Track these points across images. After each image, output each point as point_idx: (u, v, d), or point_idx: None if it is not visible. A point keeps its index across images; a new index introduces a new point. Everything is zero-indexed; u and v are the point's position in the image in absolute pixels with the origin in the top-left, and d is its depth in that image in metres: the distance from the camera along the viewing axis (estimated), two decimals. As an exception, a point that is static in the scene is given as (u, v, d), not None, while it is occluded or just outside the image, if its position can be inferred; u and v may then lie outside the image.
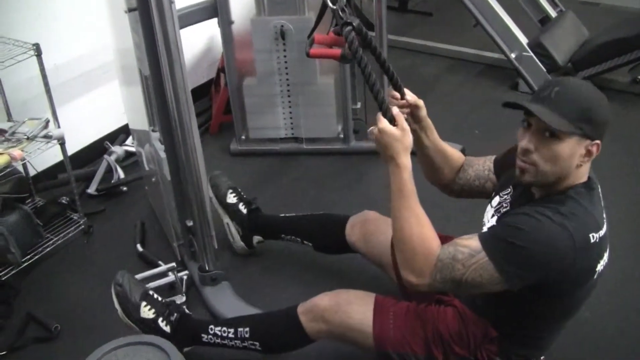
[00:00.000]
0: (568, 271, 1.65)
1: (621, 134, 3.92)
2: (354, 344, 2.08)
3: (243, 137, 3.83)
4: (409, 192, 1.77)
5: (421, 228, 1.76)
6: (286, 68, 3.55)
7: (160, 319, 2.27)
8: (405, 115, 1.93)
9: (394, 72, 1.96)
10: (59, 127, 2.85)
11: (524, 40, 4.45)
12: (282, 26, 3.40)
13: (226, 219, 2.88)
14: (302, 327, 2.09)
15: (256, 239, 2.85)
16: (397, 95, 1.96)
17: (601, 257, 1.71)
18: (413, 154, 1.80)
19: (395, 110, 1.80)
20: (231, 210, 2.86)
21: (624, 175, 3.47)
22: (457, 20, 5.61)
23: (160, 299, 2.34)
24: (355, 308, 2.03)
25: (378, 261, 2.42)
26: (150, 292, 2.34)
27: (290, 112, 3.71)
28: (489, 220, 1.96)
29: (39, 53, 2.69)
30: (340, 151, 3.77)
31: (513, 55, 4.43)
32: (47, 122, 2.87)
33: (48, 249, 2.89)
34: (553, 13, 4.98)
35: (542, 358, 2.00)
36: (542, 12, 4.99)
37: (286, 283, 2.74)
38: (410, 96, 1.97)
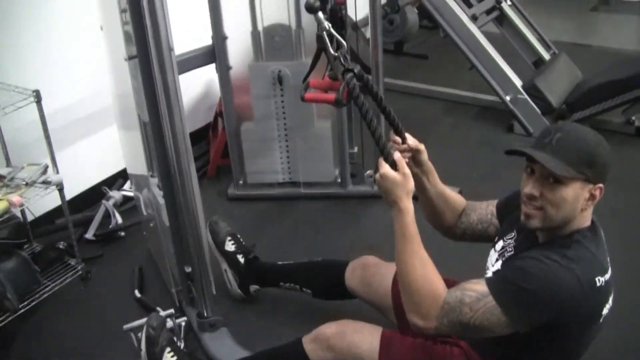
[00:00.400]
0: (574, 315, 1.65)
1: (616, 175, 3.92)
2: None
3: (241, 181, 3.84)
4: (412, 236, 1.78)
5: (426, 272, 1.77)
6: (284, 112, 3.58)
7: None
8: (407, 160, 1.95)
9: (395, 116, 1.98)
10: (57, 172, 2.85)
11: (518, 83, 4.50)
12: (279, 71, 3.44)
13: (224, 266, 2.87)
14: (308, 357, 2.08)
15: (253, 287, 2.84)
16: (399, 139, 1.98)
17: (607, 300, 1.72)
18: (415, 198, 1.82)
19: (396, 155, 1.82)
20: (229, 258, 2.86)
21: (620, 215, 3.47)
22: (452, 63, 5.67)
23: (182, 347, 2.39)
24: (362, 337, 2.03)
25: (378, 305, 2.41)
26: (175, 339, 2.38)
27: (288, 157, 3.72)
28: (493, 264, 1.96)
29: (39, 99, 2.71)
30: (338, 195, 3.77)
31: (508, 98, 4.47)
32: (46, 167, 2.87)
33: (45, 295, 2.87)
34: (546, 55, 5.05)
35: None
36: (535, 55, 5.06)
37: (285, 327, 2.72)
38: (411, 140, 1.99)
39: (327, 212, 3.65)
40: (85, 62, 3.42)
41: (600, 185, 1.68)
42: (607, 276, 1.69)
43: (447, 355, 1.99)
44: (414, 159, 2.02)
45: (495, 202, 2.14)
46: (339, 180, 3.77)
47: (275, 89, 3.50)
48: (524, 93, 4.44)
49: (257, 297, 2.89)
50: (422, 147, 2.01)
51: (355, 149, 3.85)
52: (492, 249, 2.01)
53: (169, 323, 2.64)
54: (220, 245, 2.88)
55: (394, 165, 1.80)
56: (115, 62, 2.65)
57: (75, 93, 3.50)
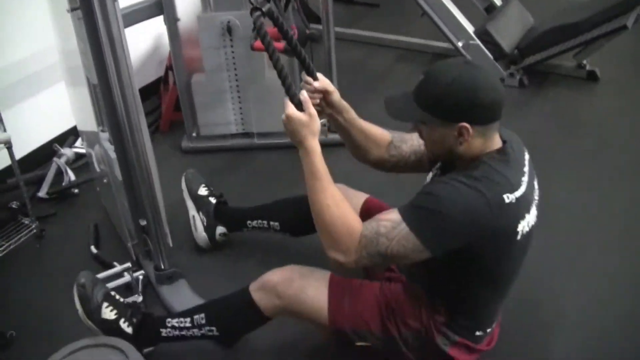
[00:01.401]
0: (486, 231, 1.71)
1: (567, 118, 4.01)
2: (310, 321, 2.09)
3: (194, 134, 3.82)
4: (320, 174, 1.82)
5: (339, 208, 1.81)
6: (234, 64, 3.54)
7: (122, 320, 2.25)
8: (318, 101, 2.00)
9: (307, 56, 2.00)
10: (5, 130, 2.80)
11: (470, 28, 4.50)
12: (228, 22, 3.39)
13: (192, 212, 2.88)
14: (256, 305, 2.09)
15: (220, 230, 2.84)
16: (310, 80, 2.00)
17: (522, 217, 1.76)
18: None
19: (303, 95, 1.85)
20: (200, 201, 2.87)
21: (570, 156, 3.54)
22: (404, 11, 5.67)
23: (122, 299, 2.33)
24: (309, 282, 2.06)
25: None
26: (112, 293, 2.32)
27: (241, 108, 3.70)
28: None
29: (-19, 56, 2.65)
30: (292, 145, 3.73)
31: (460, 44, 4.48)
32: (-7, 126, 2.82)
33: (0, 255, 2.84)
34: (498, 1, 5.05)
35: (488, 330, 2.04)
36: (487, 1, 5.07)
37: (244, 276, 2.70)
38: (319, 83, 2.00)
39: (282, 162, 3.65)
40: (29, 16, 3.34)
41: (463, 124, 1.70)
42: (518, 193, 1.73)
43: (392, 292, 2.05)
44: (326, 100, 2.05)
45: None
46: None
47: (225, 40, 3.46)
48: (476, 39, 4.45)
49: (218, 248, 2.90)
50: (331, 87, 2.04)
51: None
52: (426, 181, 2.04)
53: (126, 277, 2.64)
54: (193, 191, 2.90)
55: (299, 106, 1.83)
56: (58, 15, 2.58)
57: (21, 50, 3.41)
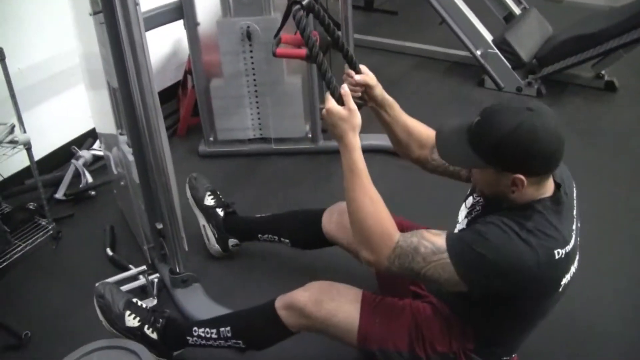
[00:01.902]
0: (530, 286, 1.68)
1: (585, 128, 3.98)
2: (337, 339, 2.06)
3: (211, 138, 3.82)
4: (359, 171, 1.79)
5: (375, 208, 1.78)
6: (253, 69, 3.55)
7: (146, 327, 2.27)
8: (359, 94, 1.98)
9: (349, 48, 1.98)
10: (24, 132, 2.82)
11: (489, 37, 4.50)
12: (248, 27, 3.40)
13: (202, 222, 2.87)
14: (282, 322, 2.07)
15: (232, 242, 2.84)
16: (352, 73, 1.98)
17: (567, 271, 1.74)
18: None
19: (343, 89, 1.82)
20: (208, 213, 2.85)
21: (589, 169, 3.51)
22: (422, 19, 5.66)
23: (144, 305, 2.34)
24: (340, 305, 2.01)
25: (355, 250, 2.41)
26: (134, 300, 2.34)
27: (259, 113, 3.71)
28: (462, 219, 1.98)
29: (2, 57, 2.66)
30: (309, 151, 3.77)
31: (478, 53, 4.48)
32: (13, 127, 2.83)
33: (16, 256, 2.85)
34: (517, 10, 5.05)
35: (513, 355, 2.02)
36: (506, 10, 5.06)
37: (259, 283, 2.74)
38: (360, 76, 1.98)
39: (299, 168, 3.65)
40: (51, 19, 3.36)
41: (517, 175, 1.63)
42: (569, 247, 1.70)
43: (421, 313, 2.01)
44: (368, 94, 2.02)
45: None
46: (310, 135, 3.77)
47: (244, 45, 3.46)
48: (495, 47, 4.45)
49: (233, 254, 2.90)
50: (372, 81, 2.01)
51: (326, 105, 3.83)
52: (463, 204, 2.02)
53: (141, 279, 2.65)
54: (199, 201, 2.88)
55: (340, 100, 1.80)
56: (80, 19, 2.60)
57: (42, 52, 3.44)
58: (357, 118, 1.80)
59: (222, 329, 2.16)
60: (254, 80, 3.59)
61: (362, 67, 2.01)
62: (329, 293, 2.03)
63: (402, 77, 4.82)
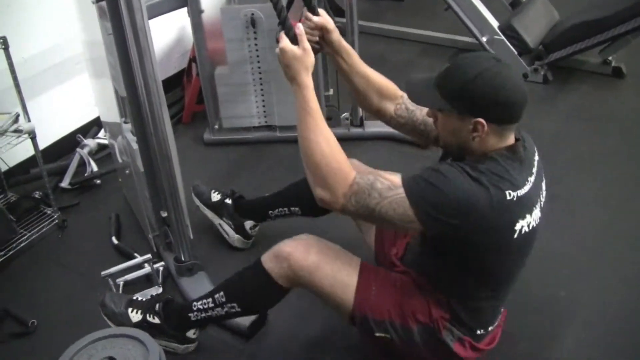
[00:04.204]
0: (482, 224, 1.69)
1: (592, 114, 3.96)
2: (325, 297, 2.05)
3: (216, 126, 3.82)
4: (313, 110, 1.80)
5: (330, 147, 1.79)
6: (257, 56, 3.54)
7: (147, 315, 2.29)
8: (317, 38, 1.98)
9: None
10: (29, 121, 2.82)
11: (494, 23, 4.47)
12: (252, 14, 3.38)
13: (217, 220, 2.88)
14: (269, 275, 2.05)
15: (248, 224, 2.83)
16: (310, 15, 1.98)
17: (521, 216, 1.75)
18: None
19: (298, 29, 1.83)
20: (218, 207, 2.86)
21: (595, 152, 3.51)
22: (428, 5, 5.64)
23: (144, 299, 2.37)
24: (327, 262, 2.01)
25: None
26: (135, 297, 2.37)
27: (263, 101, 3.70)
28: None
29: (6, 46, 2.65)
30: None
31: (484, 39, 4.45)
32: (17, 116, 2.83)
33: (22, 244, 2.87)
34: (523, -4, 5.01)
35: (489, 328, 2.04)
36: (512, -5, 5.02)
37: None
38: (318, 18, 1.98)
39: (304, 156, 3.63)
40: (54, 8, 3.36)
41: (479, 119, 1.68)
42: (521, 192, 1.72)
43: (406, 285, 2.03)
44: (325, 39, 2.02)
45: None
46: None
47: (248, 33, 3.45)
48: (501, 34, 4.42)
49: (255, 237, 2.89)
50: (330, 25, 2.00)
51: (331, 92, 3.81)
52: None
53: (146, 268, 2.66)
54: (207, 201, 2.89)
55: (294, 40, 1.81)
56: (83, 7, 2.59)
57: (45, 41, 3.43)
58: (311, 58, 1.82)
59: (216, 296, 2.17)
60: (259, 67, 3.57)
61: (321, 11, 2.00)
62: (317, 246, 2.04)
63: (408, 64, 4.80)
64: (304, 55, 1.81)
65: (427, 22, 5.39)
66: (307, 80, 1.81)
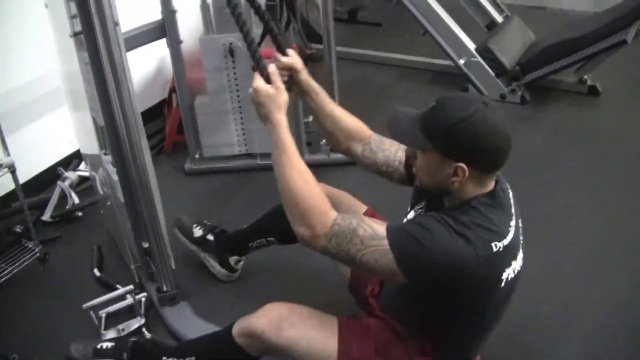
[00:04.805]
0: (471, 278, 1.66)
1: (570, 132, 4.01)
2: None
3: (197, 155, 3.82)
4: (287, 148, 1.78)
5: (307, 182, 1.77)
6: (237, 85, 3.56)
7: None
8: (286, 78, 1.97)
9: (277, 32, 1.99)
10: (8, 155, 2.81)
11: (471, 46, 4.53)
12: (230, 44, 3.42)
13: (202, 254, 2.88)
14: (242, 350, 2.02)
15: (233, 259, 2.83)
16: (279, 56, 1.97)
17: (507, 265, 1.73)
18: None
19: (271, 68, 1.83)
20: (201, 243, 2.86)
21: (574, 169, 3.55)
22: (406, 30, 5.69)
23: (110, 346, 2.36)
24: (303, 332, 1.95)
25: None
26: (99, 346, 2.36)
27: (243, 129, 3.71)
28: None
29: (-16, 81, 2.66)
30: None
31: (462, 62, 4.51)
32: (-4, 150, 2.83)
33: (3, 279, 2.84)
34: (499, 18, 5.09)
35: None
36: (488, 18, 5.11)
37: (247, 295, 2.73)
38: (287, 58, 1.98)
39: (285, 183, 3.63)
40: (32, 42, 3.36)
41: (460, 164, 1.65)
42: (506, 241, 1.69)
43: (385, 334, 2.00)
44: (294, 79, 2.02)
45: (404, 148, 2.10)
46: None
47: (227, 62, 3.48)
48: (477, 56, 4.47)
49: (242, 270, 2.89)
50: (298, 65, 2.00)
51: (310, 118, 3.83)
52: (405, 218, 2.00)
53: (129, 300, 2.65)
54: (190, 236, 2.89)
55: (268, 80, 1.81)
56: (61, 40, 2.61)
57: (23, 75, 3.43)
58: (284, 96, 1.81)
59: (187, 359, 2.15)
60: (238, 96, 3.60)
61: (290, 51, 2.00)
62: (289, 318, 1.97)
63: (387, 88, 4.84)
64: (277, 94, 1.80)
65: (405, 46, 5.44)
66: (281, 118, 1.80)
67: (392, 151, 2.10)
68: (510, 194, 1.84)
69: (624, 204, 3.27)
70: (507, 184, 1.85)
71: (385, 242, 1.67)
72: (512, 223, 1.76)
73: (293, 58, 1.99)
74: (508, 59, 4.51)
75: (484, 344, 2.02)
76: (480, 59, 4.46)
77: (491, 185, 1.75)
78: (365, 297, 2.23)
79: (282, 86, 1.81)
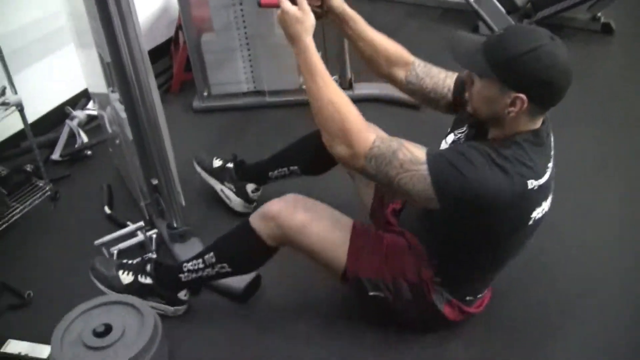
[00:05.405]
0: (503, 211, 1.70)
1: (581, 71, 3.95)
2: (316, 258, 2.08)
3: (205, 93, 3.81)
4: (320, 70, 1.80)
5: (347, 105, 1.78)
6: (244, 21, 3.52)
7: (139, 276, 2.30)
8: (319, 2, 2.00)
9: None
10: (15, 93, 2.80)
11: (482, -19, 4.45)
12: (237, -21, 3.37)
13: (218, 186, 2.88)
14: (257, 234, 2.07)
15: (250, 187, 2.83)
16: None
17: (538, 204, 1.76)
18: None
19: None
20: (220, 171, 2.87)
21: (582, 109, 3.51)
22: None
23: (133, 261, 2.38)
24: (314, 218, 2.03)
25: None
26: (124, 261, 2.38)
27: (251, 66, 3.69)
28: None
29: (-11, 19, 2.64)
30: (303, 102, 3.65)
31: (472, -2, 4.44)
32: (4, 89, 2.81)
33: (15, 217, 2.86)
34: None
35: (478, 296, 2.09)
36: (499, -47, 4.99)
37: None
38: None
39: (293, 119, 3.63)
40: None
41: (520, 95, 1.64)
42: (542, 181, 1.72)
43: (399, 245, 2.05)
44: (326, 5, 2.03)
45: (455, 75, 2.12)
46: (304, 87, 3.71)
47: (233, -2, 3.44)
48: (488, -8, 4.41)
49: (257, 200, 2.87)
50: None
51: (319, 54, 3.80)
52: (444, 141, 2.03)
53: (140, 236, 2.67)
54: (208, 167, 2.90)
55: (294, 2, 1.82)
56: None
57: (31, 12, 3.40)
58: (311, 19, 1.82)
59: (206, 257, 2.18)
60: (245, 33, 3.57)
61: None
62: (304, 204, 2.05)
63: (396, 26, 4.78)
64: (304, 17, 1.80)
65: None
66: (309, 41, 1.81)
67: (441, 78, 2.12)
68: (552, 137, 1.84)
69: (627, 149, 3.26)
70: (551, 127, 1.84)
71: (425, 167, 1.69)
72: (550, 165, 1.78)
73: None
74: (519, -5, 4.44)
75: (491, 281, 2.05)
76: (491, -5, 4.39)
77: (539, 123, 1.75)
78: (385, 219, 2.26)
79: (308, 9, 1.82)
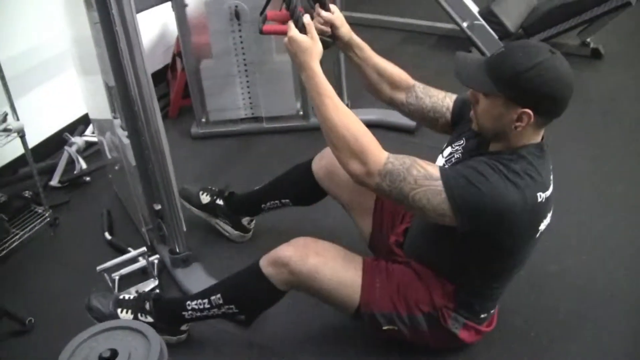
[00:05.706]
0: (516, 226, 1.73)
1: (574, 95, 4.00)
2: (329, 300, 2.08)
3: (203, 119, 3.83)
4: (328, 92, 1.82)
5: (358, 124, 1.81)
6: (242, 48, 3.55)
7: (139, 315, 2.28)
8: (329, 32, 2.02)
9: None
10: (17, 119, 2.81)
11: (474, 8, 4.50)
12: (236, 6, 3.40)
13: (212, 220, 2.88)
14: (268, 280, 2.06)
15: (245, 220, 2.84)
16: (319, 10, 2.01)
17: (545, 216, 1.80)
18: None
19: (306, 19, 1.86)
20: (211, 208, 2.86)
21: (577, 132, 3.57)
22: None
23: (132, 297, 2.35)
24: (326, 262, 2.01)
25: (341, 198, 2.46)
26: (122, 297, 2.36)
27: (249, 92, 3.71)
28: None
29: (-8, 45, 2.65)
30: (301, 128, 3.78)
31: (465, 25, 4.48)
32: (5, 115, 2.82)
33: (15, 244, 2.86)
34: (502, -19, 5.04)
35: (491, 312, 2.11)
36: (491, -19, 5.05)
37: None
38: (325, 13, 2.01)
39: (291, 145, 3.66)
40: (40, 5, 3.34)
41: (527, 110, 1.68)
42: (548, 193, 1.76)
43: (407, 276, 2.06)
44: (334, 34, 2.05)
45: (454, 96, 2.16)
46: (301, 113, 3.79)
47: (232, 25, 3.46)
48: (481, 19, 4.45)
49: (255, 230, 2.91)
50: (337, 21, 2.04)
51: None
52: (440, 155, 2.06)
53: (141, 261, 2.66)
54: (197, 204, 2.88)
55: (303, 30, 1.84)
56: (71, 3, 2.59)
57: (32, 38, 3.42)
58: (319, 47, 1.85)
59: (212, 297, 2.16)
60: (244, 59, 3.59)
61: (332, 7, 2.03)
62: (314, 248, 2.04)
63: (391, 52, 4.74)
64: (312, 44, 1.83)
65: (409, 9, 5.44)
66: (317, 67, 1.83)
67: (440, 97, 2.15)
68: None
69: (624, 168, 3.29)
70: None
71: (439, 182, 1.71)
72: (551, 177, 1.81)
73: (333, 13, 2.02)
74: (511, 22, 4.49)
75: (504, 292, 2.08)
76: (483, 22, 4.43)
77: (541, 135, 1.79)
78: (389, 248, 2.26)
79: (316, 36, 1.85)
